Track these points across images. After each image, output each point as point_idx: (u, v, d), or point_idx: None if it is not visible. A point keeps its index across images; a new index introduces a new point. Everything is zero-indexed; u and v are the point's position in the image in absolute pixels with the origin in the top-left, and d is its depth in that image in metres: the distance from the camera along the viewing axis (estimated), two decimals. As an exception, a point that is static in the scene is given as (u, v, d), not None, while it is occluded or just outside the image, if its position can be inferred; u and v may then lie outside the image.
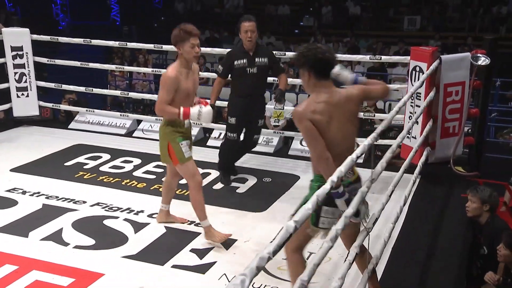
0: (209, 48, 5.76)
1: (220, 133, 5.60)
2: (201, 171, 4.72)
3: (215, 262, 3.22)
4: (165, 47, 5.49)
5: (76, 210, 3.89)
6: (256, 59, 4.19)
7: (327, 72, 2.39)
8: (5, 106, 5.82)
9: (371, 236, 2.55)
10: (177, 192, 3.96)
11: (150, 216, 3.84)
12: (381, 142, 4.53)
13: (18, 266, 3.07)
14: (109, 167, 4.85)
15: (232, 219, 3.82)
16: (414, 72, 4.34)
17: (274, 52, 4.54)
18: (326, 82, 2.39)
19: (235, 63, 4.18)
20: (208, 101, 3.59)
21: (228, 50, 4.62)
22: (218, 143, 5.57)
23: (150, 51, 9.60)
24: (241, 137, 4.49)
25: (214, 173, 4.70)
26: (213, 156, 5.12)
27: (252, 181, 4.55)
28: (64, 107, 6.10)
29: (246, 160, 4.91)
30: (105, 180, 4.53)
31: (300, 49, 2.43)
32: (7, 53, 5.64)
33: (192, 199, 3.42)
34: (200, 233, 3.52)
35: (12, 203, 3.96)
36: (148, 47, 5.75)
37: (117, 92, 6.70)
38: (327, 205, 2.32)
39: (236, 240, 3.47)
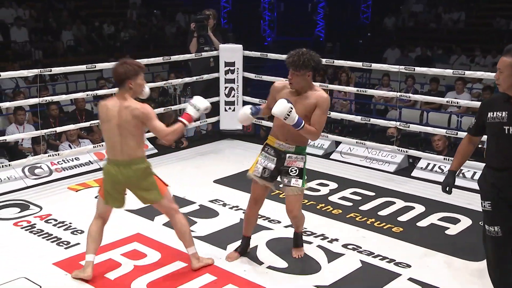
0: (421, 68, 5.55)
1: (428, 164, 5.32)
2: (402, 204, 4.60)
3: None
4: (374, 66, 5.50)
5: (271, 229, 4.11)
6: None
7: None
8: (214, 119, 6.53)
9: None
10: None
11: (345, 246, 3.83)
12: None
13: (216, 277, 3.37)
14: (305, 189, 4.99)
15: None
16: None
17: None
18: None
19: (488, 115, 2.89)
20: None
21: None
22: (424, 174, 5.30)
23: (353, 69, 9.70)
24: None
25: (419, 208, 4.48)
26: (418, 188, 4.90)
27: None
28: (266, 123, 6.56)
29: None
30: (300, 201, 4.68)
31: (303, 53, 3.29)
32: (221, 68, 6.35)
33: (181, 224, 3.36)
34: (401, 274, 3.37)
35: (213, 213, 4.39)
36: (356, 65, 5.80)
37: (318, 111, 6.90)
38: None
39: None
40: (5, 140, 5.37)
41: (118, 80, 3.21)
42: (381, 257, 3.67)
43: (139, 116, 3.17)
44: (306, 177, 3.53)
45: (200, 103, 3.34)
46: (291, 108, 3.18)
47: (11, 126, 6.82)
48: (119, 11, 15.72)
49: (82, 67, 5.55)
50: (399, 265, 3.58)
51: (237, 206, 4.51)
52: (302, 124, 3.21)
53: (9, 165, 4.97)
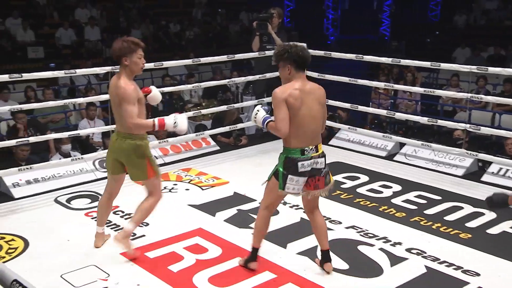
0: (495, 68, 5.29)
1: (500, 168, 5.07)
2: (471, 209, 4.41)
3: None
4: (444, 66, 5.32)
5: (331, 229, 4.06)
6: None
7: (304, 66, 3.16)
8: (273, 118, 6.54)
9: None
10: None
11: (409, 250, 3.73)
12: None
13: (276, 275, 3.38)
14: (367, 190, 4.93)
15: None
16: None
17: None
18: (302, 74, 3.16)
19: None
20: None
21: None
22: (496, 179, 5.08)
23: (420, 68, 9.41)
24: None
25: (490, 214, 4.30)
26: (489, 194, 4.70)
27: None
28: (327, 122, 6.49)
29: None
30: (361, 203, 4.62)
31: (281, 47, 3.20)
32: (282, 67, 6.34)
33: (147, 207, 3.50)
34: (469, 283, 3.24)
35: (274, 212, 4.39)
36: (424, 64, 5.63)
37: (383, 111, 6.77)
38: (292, 174, 3.14)
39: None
40: (78, 134, 5.65)
41: (114, 57, 3.39)
42: (448, 264, 3.55)
43: (118, 95, 3.33)
44: (281, 181, 3.21)
45: (182, 122, 3.39)
46: (258, 110, 3.28)
47: (83, 121, 7.17)
48: (185, 10, 16.10)
49: (150, 65, 5.72)
50: (467, 273, 3.45)
51: (297, 205, 4.50)
52: (266, 123, 3.25)
53: (82, 158, 5.22)
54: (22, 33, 11.90)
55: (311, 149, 3.15)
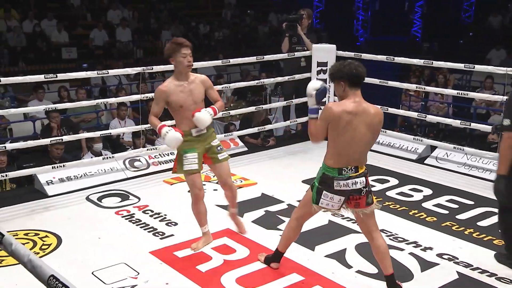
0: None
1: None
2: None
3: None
4: (478, 68, 5.20)
5: (360, 233, 4.01)
6: None
7: (358, 83, 3.07)
8: (304, 119, 6.51)
9: None
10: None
11: (440, 256, 3.66)
12: None
13: (304, 278, 3.37)
14: (396, 193, 4.86)
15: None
16: None
17: None
18: (356, 92, 3.05)
19: None
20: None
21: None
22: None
23: (452, 70, 9.24)
24: None
25: None
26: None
27: None
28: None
29: None
30: (391, 206, 4.56)
31: (337, 64, 3.11)
32: (313, 68, 6.32)
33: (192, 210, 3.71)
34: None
35: (302, 213, 4.39)
36: (457, 66, 5.51)
37: (414, 114, 6.66)
38: (327, 191, 3.07)
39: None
40: (110, 133, 5.76)
41: (167, 59, 3.57)
42: (481, 270, 3.47)
43: None
44: (314, 195, 3.18)
45: (169, 139, 3.43)
46: (319, 87, 3.19)
47: (114, 120, 7.29)
48: (214, 11, 16.21)
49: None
50: (502, 280, 3.37)
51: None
52: (311, 114, 3.26)
53: (113, 157, 5.31)
54: (57, 34, 12.19)
55: (350, 169, 3.04)
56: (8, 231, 2.31)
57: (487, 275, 3.42)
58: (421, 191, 4.90)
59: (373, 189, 4.91)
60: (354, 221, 4.20)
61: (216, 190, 4.91)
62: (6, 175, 4.72)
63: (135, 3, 14.65)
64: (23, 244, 3.77)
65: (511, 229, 3.48)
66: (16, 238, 3.92)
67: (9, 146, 4.97)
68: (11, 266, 3.36)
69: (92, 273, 3.44)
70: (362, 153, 3.09)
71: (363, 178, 3.10)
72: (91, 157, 5.63)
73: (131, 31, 13.24)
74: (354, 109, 3.01)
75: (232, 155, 5.96)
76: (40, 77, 4.91)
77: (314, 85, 3.19)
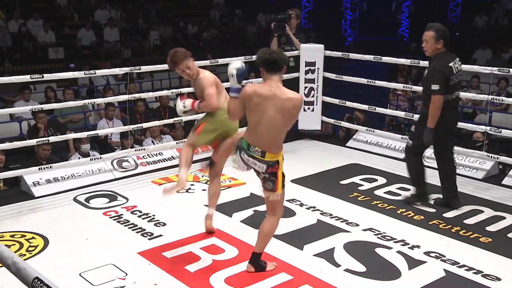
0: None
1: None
2: (492, 213, 4.35)
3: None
4: (464, 67, 5.21)
5: (348, 231, 4.05)
6: None
7: (273, 69, 3.22)
8: (293, 119, 6.53)
9: None
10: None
11: (427, 254, 3.69)
12: None
13: (293, 277, 3.37)
14: (384, 192, 4.89)
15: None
16: None
17: None
18: (274, 77, 3.22)
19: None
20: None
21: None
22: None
23: (439, 70, 9.28)
24: None
25: (511, 218, 4.23)
26: (510, 197, 4.64)
27: None
28: (345, 124, 6.47)
29: None
30: (379, 205, 4.58)
31: (258, 53, 3.27)
32: (301, 68, 6.34)
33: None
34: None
35: (291, 213, 4.39)
36: (442, 66, 5.54)
37: (401, 113, 6.71)
38: (239, 154, 3.33)
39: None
40: (97, 134, 5.72)
41: None
42: (467, 268, 3.50)
43: None
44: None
45: (177, 105, 3.89)
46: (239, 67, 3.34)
47: (102, 121, 7.25)
48: (203, 12, 16.18)
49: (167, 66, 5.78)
50: (487, 277, 3.40)
51: (314, 207, 4.49)
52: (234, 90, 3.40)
53: (100, 157, 5.28)
54: (43, 34, 12.09)
55: (256, 150, 3.23)
56: (-7, 233, 2.29)
57: (473, 273, 3.44)
58: (409, 189, 4.91)
59: (361, 188, 4.97)
60: (342, 220, 4.23)
61: (205, 190, 4.90)
62: (-8, 177, 4.67)
63: (123, 3, 14.57)
64: (9, 246, 3.75)
65: (414, 172, 4.47)
66: (2, 240, 3.89)
67: (-5, 147, 4.91)
68: (-3, 268, 3.32)
69: (80, 274, 3.41)
70: (272, 140, 3.22)
71: (265, 166, 3.25)
72: (79, 158, 5.59)
73: (118, 31, 13.17)
74: (265, 92, 3.18)
75: (220, 155, 5.97)
76: (26, 78, 4.86)
77: (235, 65, 3.34)
